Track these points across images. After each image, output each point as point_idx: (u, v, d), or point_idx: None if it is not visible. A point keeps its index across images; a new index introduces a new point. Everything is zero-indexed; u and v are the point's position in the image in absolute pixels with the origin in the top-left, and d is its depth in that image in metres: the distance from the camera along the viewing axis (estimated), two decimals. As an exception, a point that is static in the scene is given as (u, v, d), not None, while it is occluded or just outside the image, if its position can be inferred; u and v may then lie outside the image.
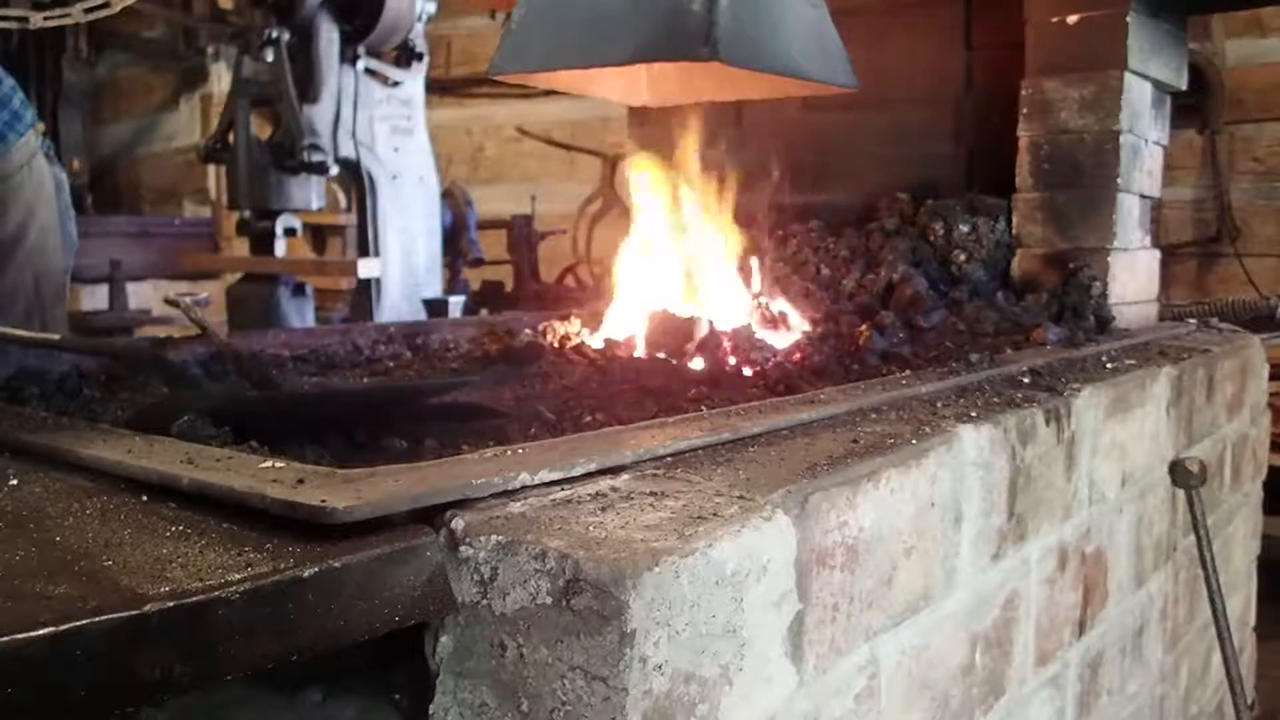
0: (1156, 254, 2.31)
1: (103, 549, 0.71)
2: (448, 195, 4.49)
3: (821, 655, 0.90)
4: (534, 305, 4.24)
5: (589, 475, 0.89)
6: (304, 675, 0.81)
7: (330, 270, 4.68)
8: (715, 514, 0.80)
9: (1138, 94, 2.09)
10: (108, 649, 0.58)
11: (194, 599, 0.62)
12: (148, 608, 0.60)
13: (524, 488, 0.84)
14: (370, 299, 3.97)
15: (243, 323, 3.77)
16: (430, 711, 0.77)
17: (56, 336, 1.68)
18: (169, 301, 1.65)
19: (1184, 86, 2.32)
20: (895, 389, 1.30)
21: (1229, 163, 4.36)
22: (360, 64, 3.92)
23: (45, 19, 3.77)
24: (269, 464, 0.85)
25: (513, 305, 4.52)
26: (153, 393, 1.48)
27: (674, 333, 1.79)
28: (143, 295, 5.65)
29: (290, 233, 3.83)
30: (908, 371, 1.46)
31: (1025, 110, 2.10)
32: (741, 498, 0.85)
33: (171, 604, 0.61)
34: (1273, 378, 2.51)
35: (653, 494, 0.85)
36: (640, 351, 1.80)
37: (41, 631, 0.56)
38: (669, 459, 0.97)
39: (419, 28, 4.07)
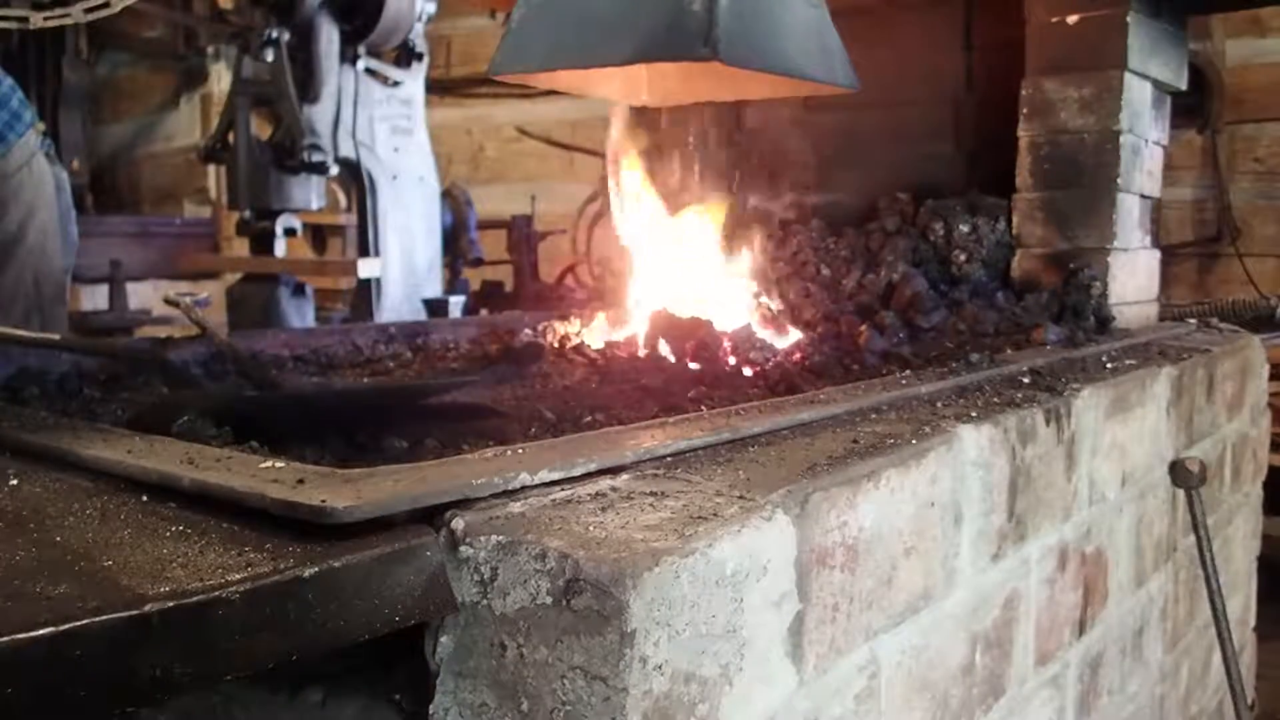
0: (1156, 254, 2.31)
1: (103, 549, 0.71)
2: (448, 195, 4.49)
3: (821, 655, 0.90)
4: (534, 305, 4.24)
5: (589, 475, 0.89)
6: (304, 675, 0.81)
7: (330, 270, 4.69)
8: (715, 514, 0.80)
9: (1138, 94, 2.09)
10: (108, 649, 0.58)
11: (194, 599, 0.62)
12: (148, 608, 0.60)
13: (524, 488, 0.84)
14: (370, 299, 3.97)
15: (243, 323, 3.77)
16: (430, 711, 0.77)
17: (56, 336, 1.68)
18: (169, 301, 1.65)
19: (1184, 86, 2.32)
20: (895, 389, 1.29)
21: (1229, 163, 4.36)
22: (360, 64, 3.92)
23: (45, 19, 3.77)
24: (269, 464, 0.85)
25: (513, 305, 4.53)
26: (153, 393, 1.48)
27: (675, 333, 1.79)
28: (143, 295, 5.64)
29: (290, 233, 3.83)
30: (908, 371, 1.46)
31: (1025, 110, 2.10)
32: (742, 498, 0.85)
33: (171, 604, 0.61)
34: (1273, 378, 2.51)
35: (653, 494, 0.85)
36: (640, 351, 1.80)
37: (41, 631, 0.56)
38: (669, 459, 0.97)
39: (419, 28, 4.07)
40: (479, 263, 4.72)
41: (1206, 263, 4.43)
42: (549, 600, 0.72)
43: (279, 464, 0.85)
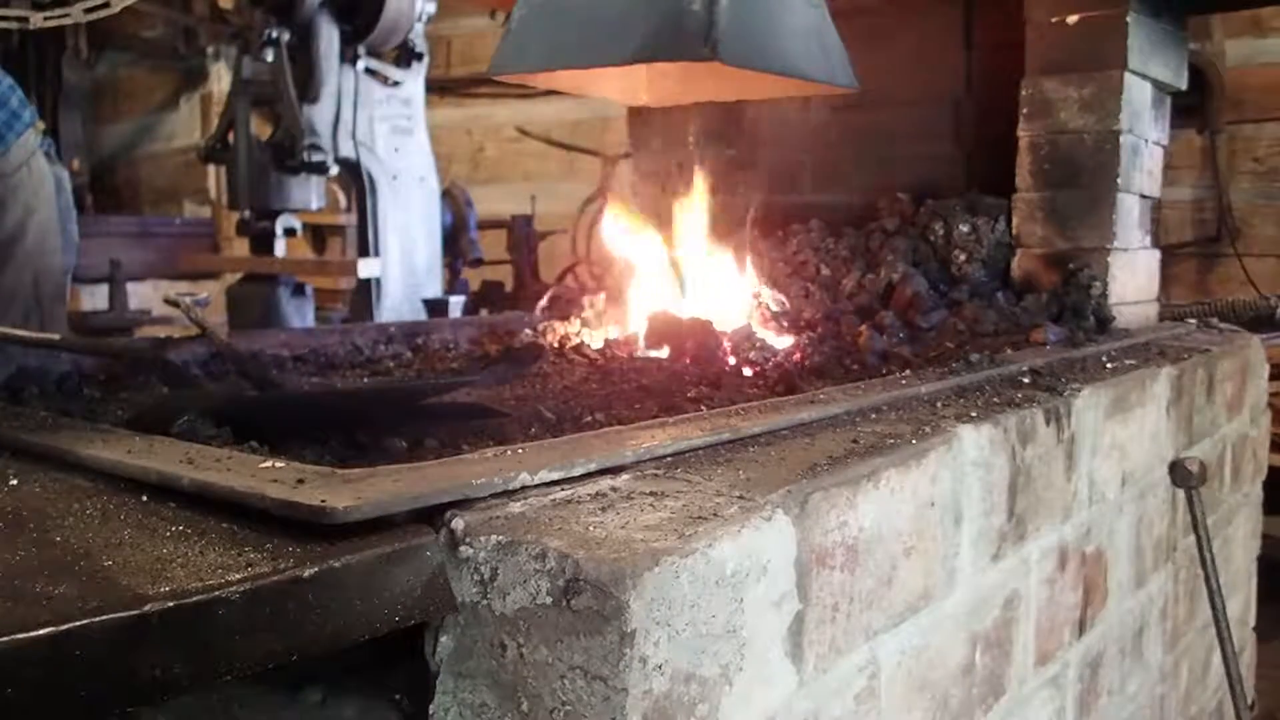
0: (1156, 254, 2.31)
1: (103, 549, 0.71)
2: (448, 195, 4.49)
3: (821, 655, 0.90)
4: (534, 305, 4.23)
5: (589, 475, 0.89)
6: (304, 675, 0.81)
7: (330, 270, 4.69)
8: (715, 514, 0.80)
9: (1138, 94, 2.09)
10: (108, 649, 0.58)
11: (194, 599, 0.62)
12: (148, 608, 0.60)
13: (524, 488, 0.84)
14: (370, 299, 3.97)
15: (243, 323, 3.77)
16: (430, 711, 0.77)
17: (56, 336, 1.68)
18: (169, 301, 1.65)
19: (1184, 86, 2.32)
20: (895, 389, 1.29)
21: (1229, 163, 4.35)
22: (360, 64, 3.92)
23: (45, 19, 3.77)
24: (269, 464, 0.85)
25: (513, 305, 4.52)
26: (153, 393, 1.48)
27: (674, 333, 1.79)
28: (143, 295, 5.64)
29: (290, 233, 3.83)
30: (908, 371, 1.46)
31: (1025, 110, 2.10)
32: (741, 498, 0.85)
33: (171, 604, 0.61)
34: (1273, 378, 2.51)
35: (653, 494, 0.85)
36: (640, 351, 1.80)
37: (41, 631, 0.56)
38: (669, 459, 0.97)
39: (419, 28, 4.07)
40: (479, 263, 4.72)
41: (1206, 263, 4.43)
42: (549, 600, 0.72)
43: (279, 464, 0.85)
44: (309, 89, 3.73)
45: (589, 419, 1.22)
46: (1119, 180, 2.03)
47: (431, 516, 0.77)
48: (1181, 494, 1.74)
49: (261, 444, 0.98)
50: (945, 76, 2.33)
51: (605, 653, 0.69)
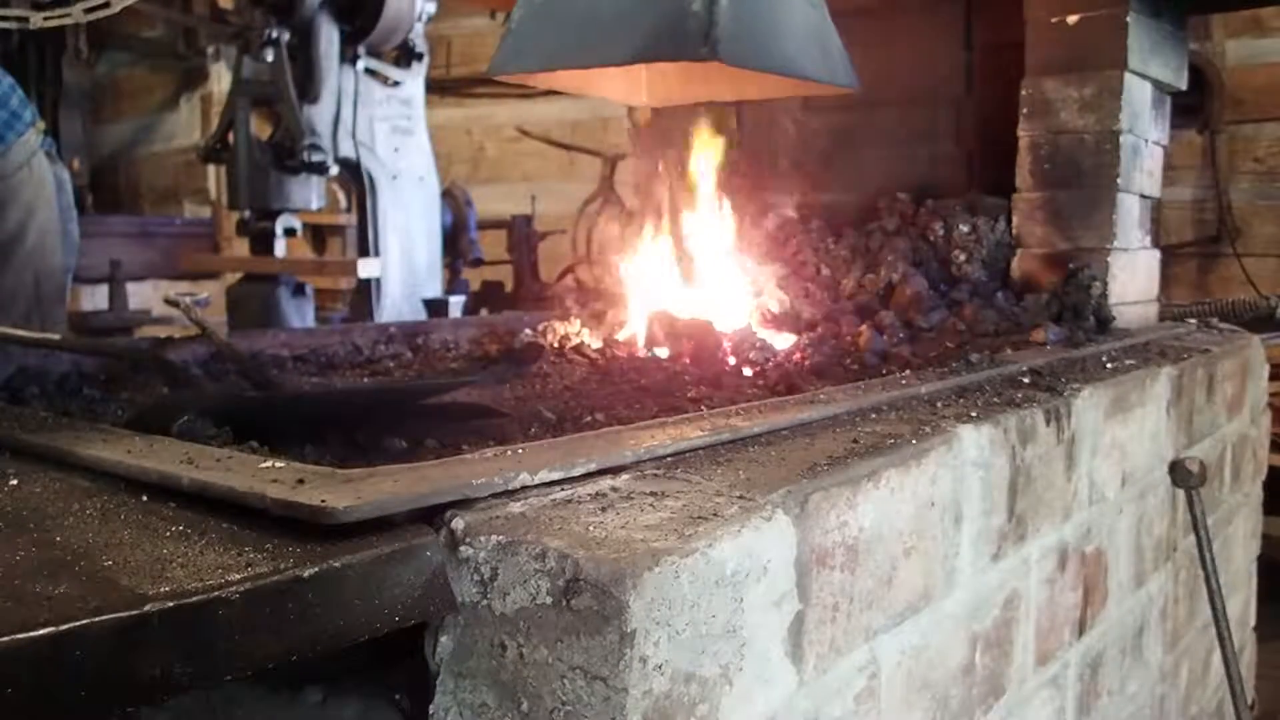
0: (1156, 254, 2.31)
1: (103, 549, 0.71)
2: (448, 195, 4.49)
3: (821, 655, 0.90)
4: (534, 305, 4.24)
5: (589, 475, 0.89)
6: (304, 675, 0.81)
7: (330, 270, 4.68)
8: (715, 514, 0.80)
9: (1138, 94, 2.09)
10: (108, 649, 0.58)
11: (194, 599, 0.62)
12: (148, 608, 0.60)
13: (524, 488, 0.84)
14: (370, 299, 3.97)
15: (243, 323, 3.77)
16: (430, 711, 0.77)
17: (56, 336, 1.68)
18: (169, 301, 1.65)
19: (1184, 86, 2.32)
20: (895, 389, 1.29)
21: (1229, 163, 4.36)
22: (360, 64, 3.92)
23: (45, 19, 3.77)
24: (269, 464, 0.85)
25: (513, 305, 4.53)
26: (153, 393, 1.48)
27: (675, 333, 1.79)
28: (143, 295, 5.65)
29: (290, 233, 3.83)
30: (908, 371, 1.46)
31: (1025, 110, 2.10)
32: (741, 498, 0.85)
33: (171, 604, 0.61)
34: (1273, 378, 2.51)
35: (653, 494, 0.85)
36: (640, 351, 1.80)
37: (41, 631, 0.56)
38: (669, 459, 0.97)
39: (419, 28, 4.07)
40: (479, 263, 4.72)
41: (1206, 263, 4.43)
42: (549, 600, 0.72)
43: (279, 464, 0.85)
44: (309, 89, 3.73)
45: (589, 419, 1.22)
46: (1119, 180, 2.03)
47: (431, 516, 0.77)
48: (1181, 494, 1.74)
49: (261, 444, 0.97)
50: (945, 76, 2.33)
51: (605, 653, 0.69)
